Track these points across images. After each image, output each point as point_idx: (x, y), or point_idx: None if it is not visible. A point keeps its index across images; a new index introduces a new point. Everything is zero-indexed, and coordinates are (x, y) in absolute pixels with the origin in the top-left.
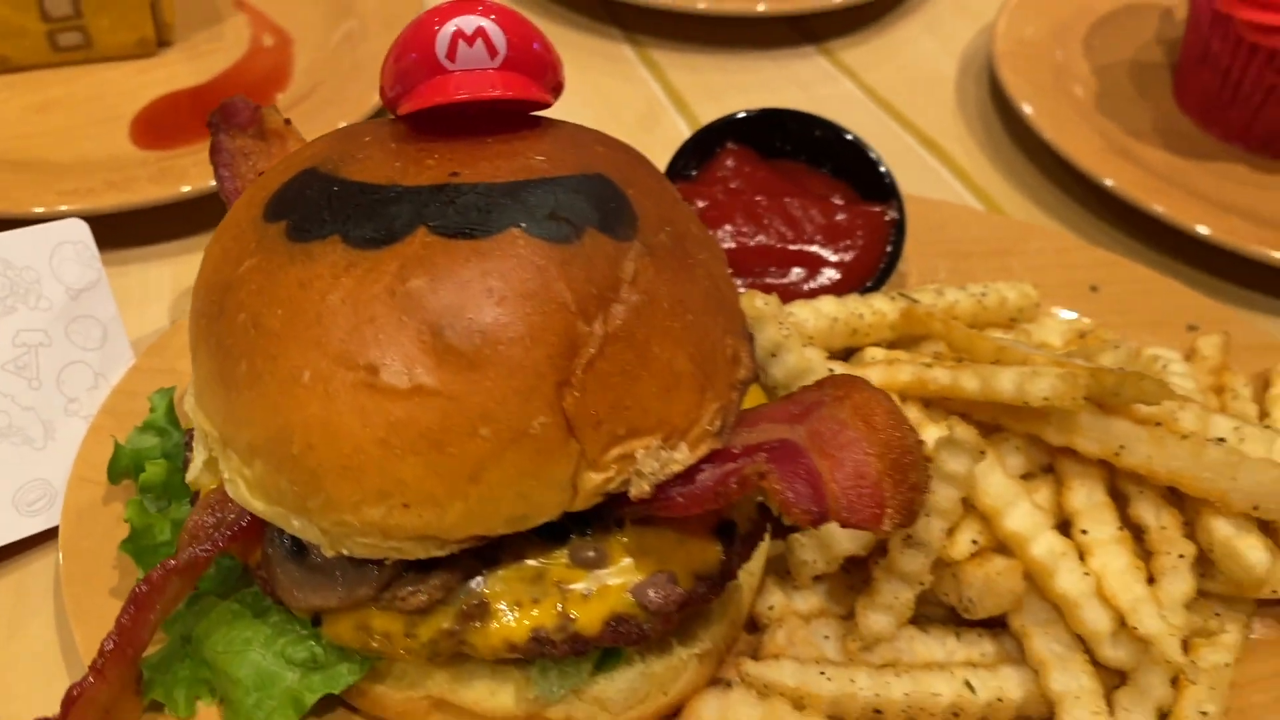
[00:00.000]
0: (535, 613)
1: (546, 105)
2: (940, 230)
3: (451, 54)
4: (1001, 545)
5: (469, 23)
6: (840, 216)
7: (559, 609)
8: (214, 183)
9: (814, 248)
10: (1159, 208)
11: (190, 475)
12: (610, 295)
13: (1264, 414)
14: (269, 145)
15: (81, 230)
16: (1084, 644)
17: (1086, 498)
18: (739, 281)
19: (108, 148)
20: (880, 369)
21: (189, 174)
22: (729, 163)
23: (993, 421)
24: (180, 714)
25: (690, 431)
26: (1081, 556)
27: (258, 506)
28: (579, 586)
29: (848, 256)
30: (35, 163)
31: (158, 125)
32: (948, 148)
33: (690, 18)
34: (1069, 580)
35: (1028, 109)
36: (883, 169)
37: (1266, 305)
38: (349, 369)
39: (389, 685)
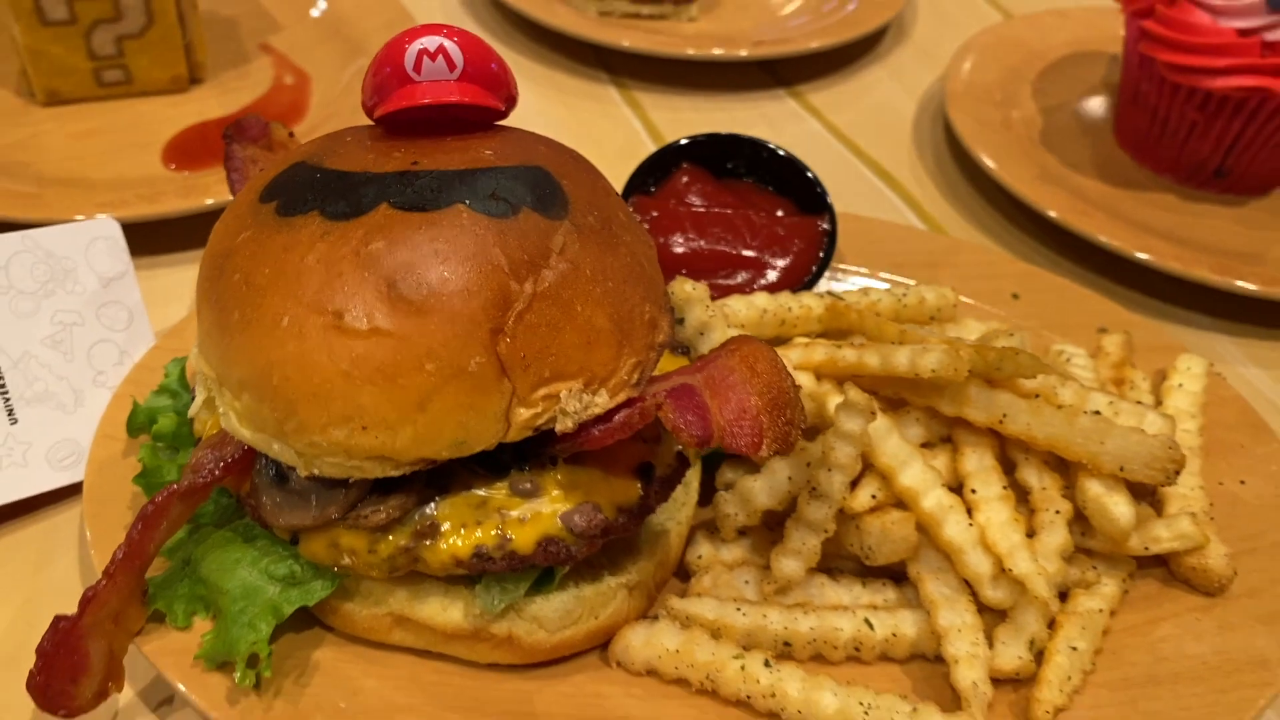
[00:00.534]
0: (478, 533)
1: (501, 114)
2: (879, 244)
3: (417, 68)
4: (899, 501)
5: (432, 42)
6: (780, 228)
7: (498, 530)
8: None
9: (757, 254)
10: (1079, 225)
11: (191, 412)
12: (540, 262)
13: (1158, 402)
14: (274, 155)
15: (113, 228)
16: (969, 588)
17: (977, 462)
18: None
19: (141, 168)
20: (800, 350)
21: (211, 189)
22: (684, 180)
23: (897, 396)
24: (179, 624)
25: (610, 380)
26: (970, 512)
27: (245, 434)
28: (516, 513)
29: (786, 261)
30: (79, 180)
31: (186, 150)
32: (901, 179)
33: (671, 64)
34: (955, 530)
35: (968, 139)
36: (817, 186)
37: (1174, 315)
38: (319, 314)
39: (356, 603)
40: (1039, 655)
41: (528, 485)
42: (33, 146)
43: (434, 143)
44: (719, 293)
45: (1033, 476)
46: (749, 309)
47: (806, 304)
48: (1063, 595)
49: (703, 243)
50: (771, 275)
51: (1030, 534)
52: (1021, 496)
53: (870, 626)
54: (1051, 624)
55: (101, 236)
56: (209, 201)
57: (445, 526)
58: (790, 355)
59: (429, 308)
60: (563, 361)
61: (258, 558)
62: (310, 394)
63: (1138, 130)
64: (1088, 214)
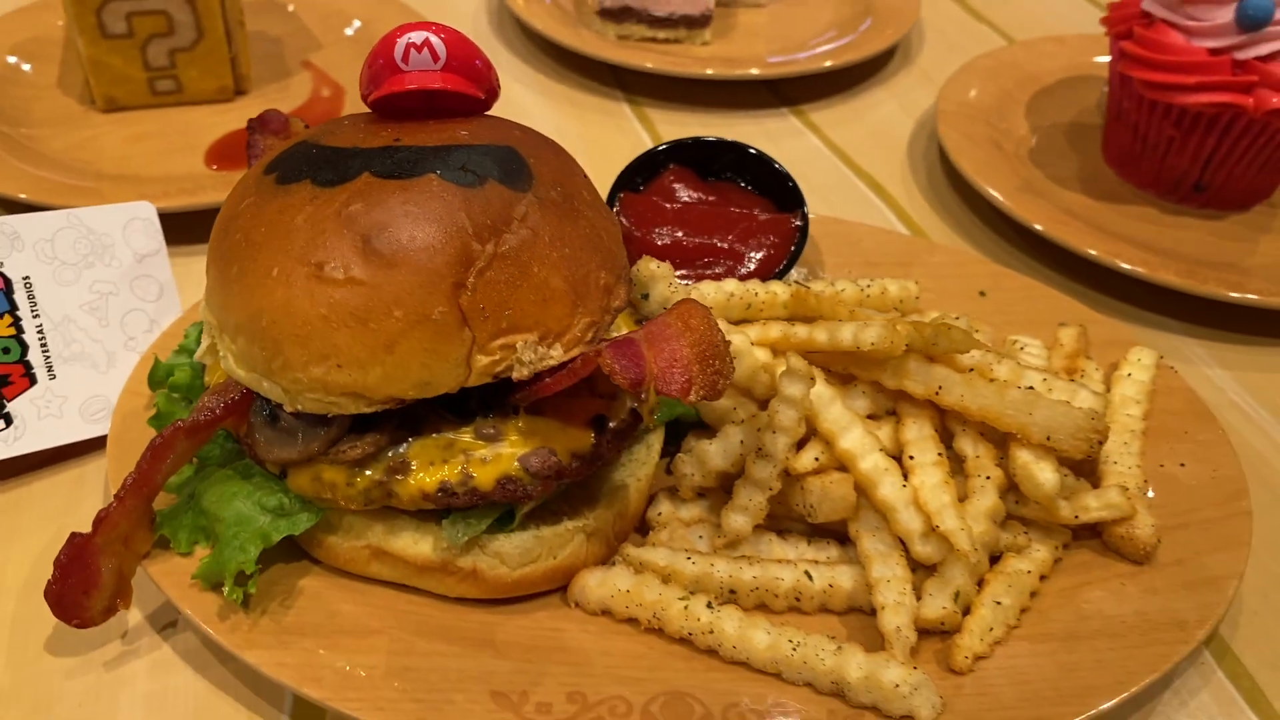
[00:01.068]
0: (444, 471)
1: (482, 103)
2: (856, 245)
3: (405, 59)
4: (841, 464)
5: (418, 36)
6: (756, 223)
7: (462, 469)
8: None
9: (735, 246)
10: (1058, 234)
11: (198, 355)
12: (502, 227)
13: (1108, 390)
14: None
15: (149, 210)
16: (903, 545)
17: (917, 431)
18: (679, 273)
19: (186, 168)
20: (757, 328)
21: None
22: (671, 179)
23: (846, 372)
24: (181, 550)
25: (564, 336)
26: (906, 476)
27: (240, 374)
28: (480, 454)
29: (761, 254)
30: (131, 176)
31: (227, 154)
32: (892, 191)
33: (683, 83)
34: (889, 490)
35: (953, 152)
36: (791, 184)
37: (1149, 320)
38: (304, 265)
39: (339, 536)
40: (967, 611)
41: (491, 430)
42: (92, 147)
43: (417, 125)
44: (696, 280)
45: (968, 446)
46: (717, 292)
47: (773, 290)
48: (997, 561)
49: (684, 234)
50: (749, 266)
51: (963, 499)
52: (958, 466)
53: (810, 578)
54: (981, 583)
55: (138, 217)
56: None
57: (415, 464)
58: (749, 332)
59: (398, 261)
60: (519, 315)
61: (252, 491)
62: (294, 335)
63: (1121, 147)
64: (1067, 224)
